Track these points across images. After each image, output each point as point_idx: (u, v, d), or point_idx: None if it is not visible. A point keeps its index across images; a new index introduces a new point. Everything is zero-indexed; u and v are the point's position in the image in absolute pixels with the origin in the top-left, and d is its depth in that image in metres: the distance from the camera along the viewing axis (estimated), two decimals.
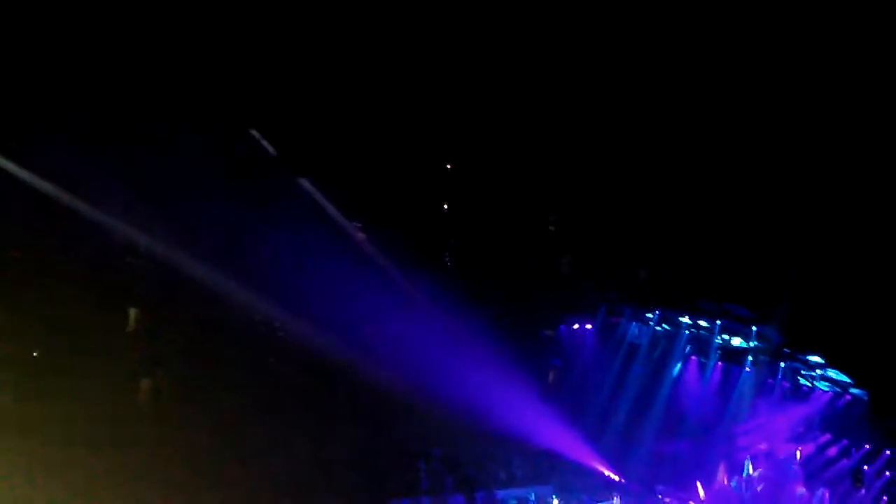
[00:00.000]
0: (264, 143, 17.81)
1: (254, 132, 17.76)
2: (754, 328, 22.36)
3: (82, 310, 16.00)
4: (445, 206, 20.16)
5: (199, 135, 16.60)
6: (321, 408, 17.91)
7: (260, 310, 17.83)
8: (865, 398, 21.58)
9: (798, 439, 22.82)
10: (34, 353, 16.46)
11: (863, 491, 20.96)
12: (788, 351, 22.66)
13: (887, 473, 21.09)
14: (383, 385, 17.81)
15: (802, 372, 22.86)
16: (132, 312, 17.27)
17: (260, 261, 17.81)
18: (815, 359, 21.73)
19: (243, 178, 17.28)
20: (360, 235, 19.09)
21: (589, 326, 22.76)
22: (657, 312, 22.82)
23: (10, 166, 15.91)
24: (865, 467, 21.58)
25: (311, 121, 18.02)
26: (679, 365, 23.32)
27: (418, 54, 17.84)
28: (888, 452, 21.17)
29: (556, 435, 20.66)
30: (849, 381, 21.63)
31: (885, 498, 20.60)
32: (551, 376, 21.81)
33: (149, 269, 17.05)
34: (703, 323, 22.57)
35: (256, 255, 17.78)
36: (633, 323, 23.12)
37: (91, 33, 15.67)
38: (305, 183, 18.47)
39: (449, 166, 19.87)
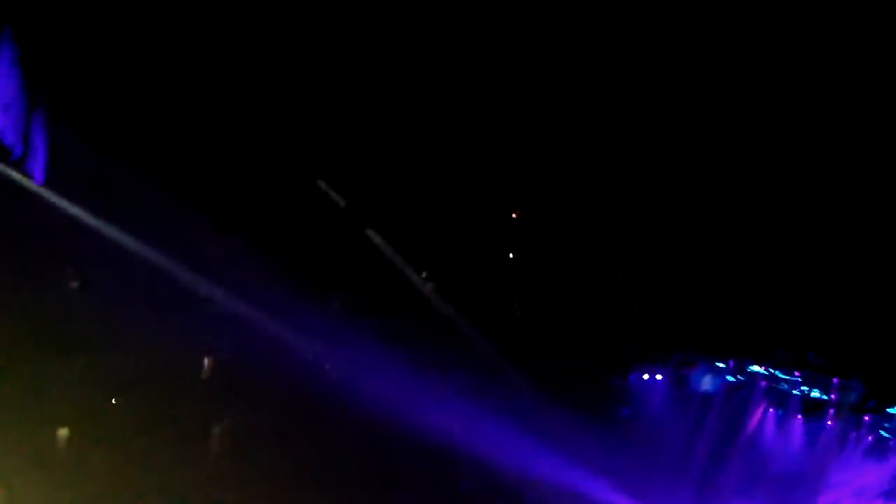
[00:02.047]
0: (332, 193, 18.09)
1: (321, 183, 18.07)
2: (835, 380, 21.56)
3: None
4: (511, 255, 20.02)
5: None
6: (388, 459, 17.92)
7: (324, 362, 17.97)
8: None
9: (887, 497, 21.77)
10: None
11: None
12: (872, 404, 21.80)
13: None
14: (450, 442, 17.69)
15: (886, 426, 21.90)
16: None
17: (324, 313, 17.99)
18: None
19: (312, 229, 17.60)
20: (428, 286, 19.12)
21: (659, 377, 22.20)
22: (731, 362, 22.15)
23: None
24: None
25: (378, 169, 18.28)
26: (756, 419, 22.53)
27: (482, 104, 17.98)
28: None
29: (625, 491, 20.17)
30: None
31: None
32: (619, 429, 21.29)
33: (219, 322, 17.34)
34: (780, 374, 21.82)
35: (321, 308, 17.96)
36: (706, 373, 22.47)
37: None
38: (373, 234, 18.64)
39: (514, 215, 19.79)
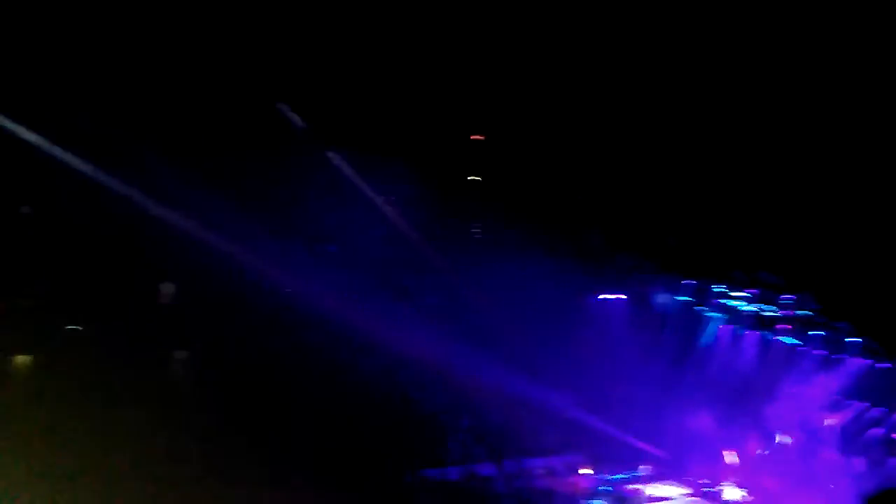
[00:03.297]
0: (293, 115, 17.68)
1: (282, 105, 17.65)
2: (787, 297, 22.23)
3: None
4: (478, 179, 19.99)
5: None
6: (349, 380, 18.05)
7: (279, 278, 17.82)
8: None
9: (831, 408, 22.73)
10: None
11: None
12: (822, 320, 22.56)
13: None
14: (413, 358, 17.90)
15: (835, 341, 22.73)
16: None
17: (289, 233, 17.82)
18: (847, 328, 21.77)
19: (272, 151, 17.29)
20: (392, 209, 19.00)
21: (622, 297, 22.66)
22: (690, 282, 22.68)
23: None
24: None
25: (339, 92, 17.88)
26: (711, 335, 23.23)
27: (449, 25, 17.63)
28: None
29: (586, 405, 20.74)
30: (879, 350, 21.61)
31: None
32: (582, 347, 21.72)
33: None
34: (735, 293, 22.40)
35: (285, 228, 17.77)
36: (666, 293, 23.00)
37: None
38: (334, 156, 18.33)
39: (481, 138, 19.66)
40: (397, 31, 17.29)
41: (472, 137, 19.62)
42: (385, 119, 17.99)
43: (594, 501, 18.89)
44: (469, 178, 19.94)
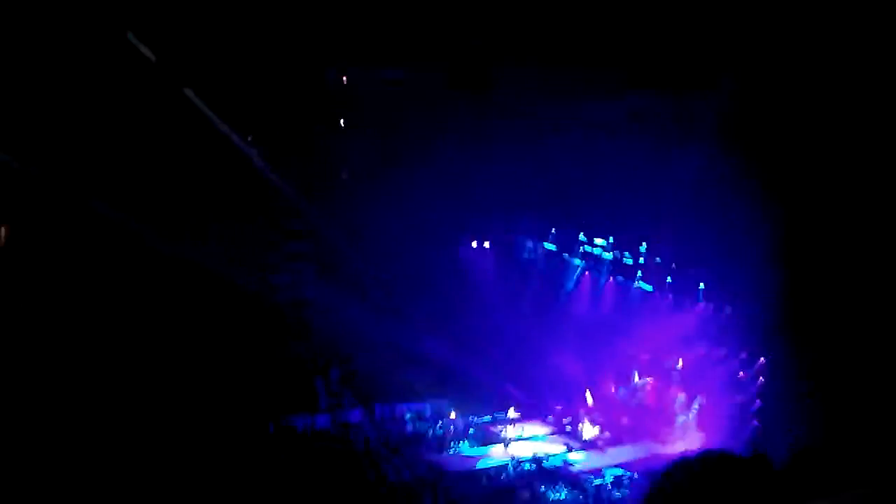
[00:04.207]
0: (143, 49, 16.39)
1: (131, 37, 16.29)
2: (643, 246, 23.22)
3: None
4: (342, 122, 19.44)
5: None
6: (215, 326, 17.34)
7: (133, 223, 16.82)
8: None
9: (679, 349, 24.11)
10: None
11: (737, 396, 22.43)
12: (674, 267, 23.75)
13: (761, 379, 22.60)
14: (279, 303, 17.40)
15: (686, 287, 24.01)
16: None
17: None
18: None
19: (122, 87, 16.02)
20: (253, 151, 18.18)
21: (486, 244, 22.95)
22: (553, 230, 23.25)
23: None
24: (741, 374, 23.07)
25: (191, 26, 16.69)
26: (572, 280, 24.01)
27: None
28: (762, 360, 22.64)
29: (453, 350, 20.96)
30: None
31: (758, 402, 22.10)
32: (447, 293, 21.88)
33: None
34: (597, 240, 23.16)
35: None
36: (530, 240, 23.49)
37: None
38: (189, 92, 17.21)
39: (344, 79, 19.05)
40: None
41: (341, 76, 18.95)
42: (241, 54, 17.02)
43: (462, 443, 19.21)
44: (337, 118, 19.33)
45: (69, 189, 16.01)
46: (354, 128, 19.94)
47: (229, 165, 17.92)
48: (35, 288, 16.24)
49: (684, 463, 2.91)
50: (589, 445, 20.21)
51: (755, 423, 20.12)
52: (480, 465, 18.14)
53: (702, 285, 23.15)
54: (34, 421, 14.70)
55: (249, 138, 18.05)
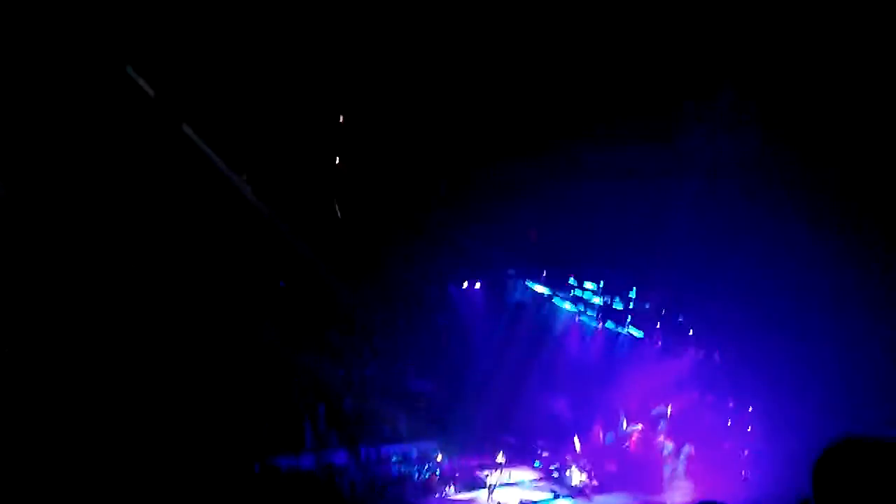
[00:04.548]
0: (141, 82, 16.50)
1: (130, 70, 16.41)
2: (632, 293, 23.32)
3: None
4: (337, 160, 19.53)
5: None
6: (201, 364, 17.18)
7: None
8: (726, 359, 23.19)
9: (668, 395, 24.06)
10: None
11: (726, 444, 22.31)
12: (663, 314, 23.85)
13: (750, 428, 22.54)
14: (266, 341, 17.29)
15: (674, 334, 24.09)
16: None
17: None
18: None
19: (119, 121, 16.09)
20: (246, 187, 18.22)
21: (478, 285, 22.97)
22: (543, 273, 23.33)
23: None
24: (730, 422, 23.00)
25: (194, 60, 16.87)
26: (562, 325, 24.02)
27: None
28: (751, 408, 22.61)
29: (441, 392, 20.84)
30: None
31: (745, 451, 21.99)
32: (438, 335, 21.85)
33: None
34: (587, 285, 23.23)
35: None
36: (520, 282, 23.54)
37: None
38: (187, 128, 17.31)
39: (341, 119, 19.23)
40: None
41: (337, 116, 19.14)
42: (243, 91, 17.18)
43: (447, 488, 18.97)
44: (332, 159, 19.46)
45: (62, 221, 15.96)
46: (348, 167, 20.04)
47: (222, 200, 17.96)
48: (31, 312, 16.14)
49: None
50: (576, 492, 19.99)
51: (745, 472, 19.97)
52: None
53: (691, 332, 23.26)
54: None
55: (244, 176, 18.12)
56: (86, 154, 16.37)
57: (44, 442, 14.65)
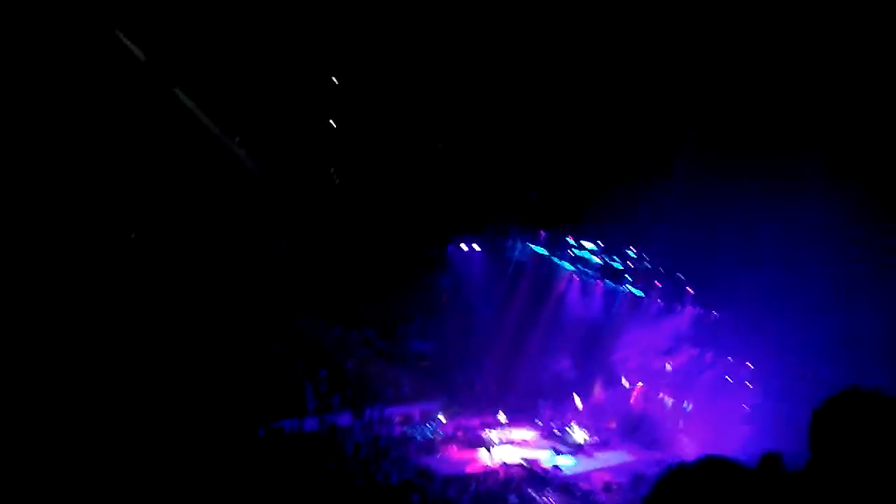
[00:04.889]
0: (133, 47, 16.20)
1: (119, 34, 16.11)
2: (632, 250, 23.28)
3: None
4: (333, 123, 19.32)
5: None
6: (202, 328, 17.16)
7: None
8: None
9: (668, 353, 24.21)
10: None
11: (725, 401, 22.52)
12: (662, 272, 23.87)
13: (747, 384, 22.73)
14: (268, 306, 17.25)
15: (673, 292, 24.17)
16: None
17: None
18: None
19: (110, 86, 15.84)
20: (240, 151, 18.02)
21: (477, 247, 22.90)
22: (543, 233, 23.24)
23: None
24: (727, 377, 23.18)
25: (186, 24, 16.58)
26: (562, 284, 24.03)
27: None
28: (749, 364, 22.78)
29: (443, 353, 20.90)
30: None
31: (744, 405, 22.20)
32: (439, 295, 21.85)
33: None
34: (586, 244, 23.17)
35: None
36: (520, 243, 23.48)
37: None
38: (179, 92, 17.05)
39: (336, 81, 18.95)
40: None
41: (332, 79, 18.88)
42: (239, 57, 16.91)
43: (450, 446, 19.11)
44: (327, 121, 19.22)
45: (55, 186, 15.80)
46: (345, 129, 19.82)
47: (217, 164, 17.78)
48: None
49: (683, 469, 2.83)
50: (578, 450, 20.17)
51: (744, 427, 20.16)
52: (470, 468, 18.03)
53: (690, 290, 23.31)
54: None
55: (237, 139, 17.90)
56: (78, 121, 16.15)
57: (46, 404, 14.70)
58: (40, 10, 15.40)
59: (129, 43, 16.20)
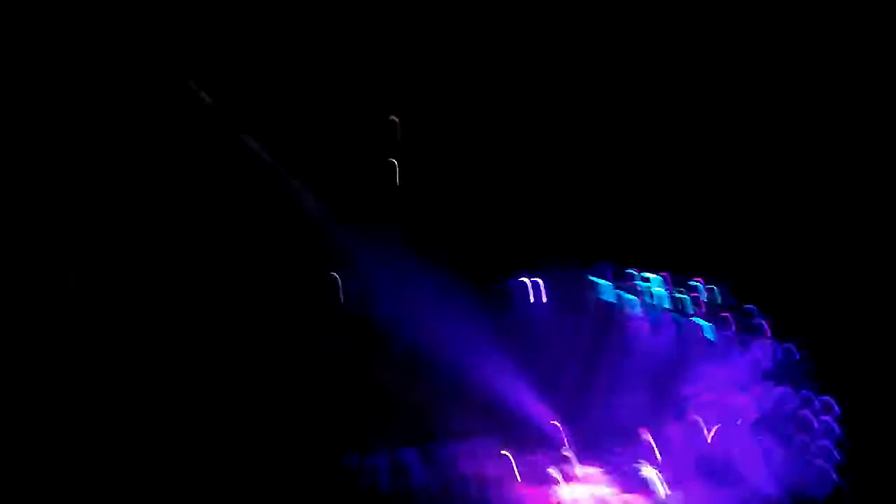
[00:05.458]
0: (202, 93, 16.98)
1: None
2: (701, 284, 22.83)
3: None
4: (394, 162, 19.74)
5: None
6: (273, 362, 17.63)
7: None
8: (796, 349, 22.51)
9: (742, 388, 23.41)
10: None
11: (803, 436, 21.62)
12: (734, 304, 23.28)
13: (825, 418, 21.76)
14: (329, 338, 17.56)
15: (745, 324, 23.49)
16: None
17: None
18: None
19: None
20: (307, 194, 18.55)
21: (541, 281, 22.82)
22: (609, 268, 23.04)
23: None
24: (805, 413, 22.25)
25: (251, 70, 17.32)
26: (630, 319, 23.62)
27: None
28: (827, 398, 21.85)
29: (504, 389, 20.76)
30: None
31: (825, 441, 21.28)
32: (501, 330, 21.77)
33: None
34: (653, 277, 22.88)
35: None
36: (586, 277, 23.28)
37: None
38: (248, 138, 17.75)
39: (396, 119, 19.42)
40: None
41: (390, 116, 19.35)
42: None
43: (514, 483, 18.93)
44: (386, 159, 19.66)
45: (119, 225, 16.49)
46: (408, 167, 20.23)
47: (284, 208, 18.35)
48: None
49: None
50: (647, 488, 19.63)
51: (821, 463, 19.29)
52: None
53: (761, 322, 22.59)
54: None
55: (302, 181, 18.45)
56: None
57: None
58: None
59: (198, 89, 17.01)
